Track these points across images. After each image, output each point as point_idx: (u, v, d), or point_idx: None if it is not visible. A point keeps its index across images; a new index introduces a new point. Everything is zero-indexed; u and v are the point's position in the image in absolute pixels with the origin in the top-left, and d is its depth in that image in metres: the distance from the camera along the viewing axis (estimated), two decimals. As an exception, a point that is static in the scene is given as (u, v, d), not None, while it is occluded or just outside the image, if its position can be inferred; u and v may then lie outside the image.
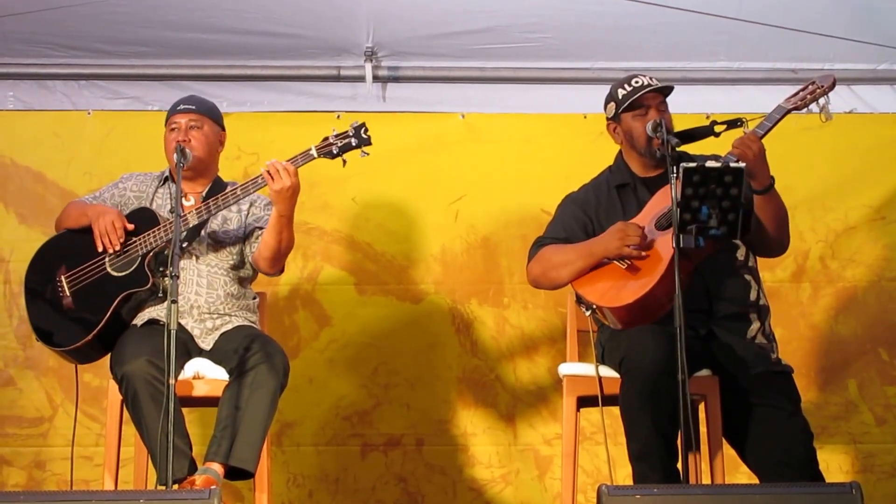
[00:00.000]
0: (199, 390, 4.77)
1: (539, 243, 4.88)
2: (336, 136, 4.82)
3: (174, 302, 4.27)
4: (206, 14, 5.69)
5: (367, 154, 4.82)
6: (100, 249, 4.84)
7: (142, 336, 4.74)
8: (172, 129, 5.00)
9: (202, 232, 4.96)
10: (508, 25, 5.79)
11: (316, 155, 4.80)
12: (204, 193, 5.00)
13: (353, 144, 4.81)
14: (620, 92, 4.82)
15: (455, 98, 6.09)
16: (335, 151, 4.81)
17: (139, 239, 4.84)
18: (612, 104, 4.86)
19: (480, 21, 5.76)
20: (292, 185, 4.69)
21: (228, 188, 4.90)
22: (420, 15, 5.74)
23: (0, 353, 5.86)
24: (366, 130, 4.82)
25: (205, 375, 4.77)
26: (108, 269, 4.84)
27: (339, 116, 5.89)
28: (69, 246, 4.94)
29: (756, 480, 4.70)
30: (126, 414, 4.68)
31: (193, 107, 5.04)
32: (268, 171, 4.69)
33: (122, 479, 4.89)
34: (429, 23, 5.78)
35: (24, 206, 5.94)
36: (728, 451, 4.75)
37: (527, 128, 6.07)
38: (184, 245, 4.87)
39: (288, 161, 4.73)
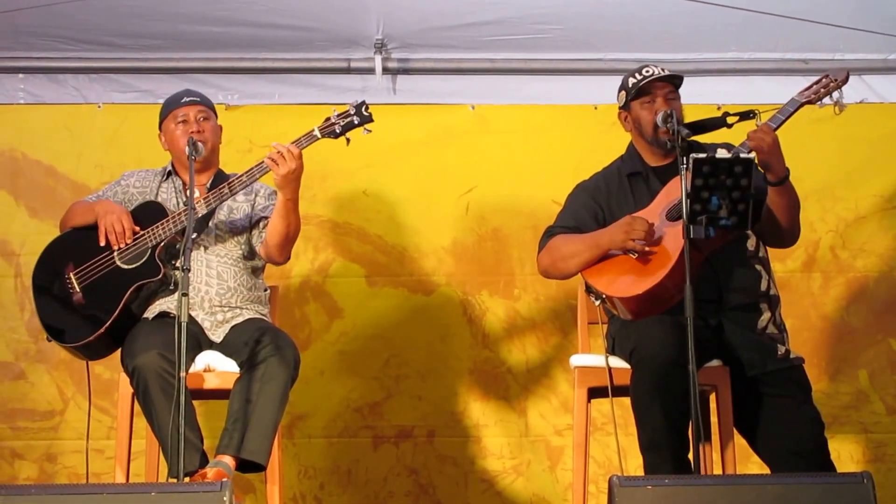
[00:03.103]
0: (210, 383, 4.78)
1: (549, 233, 4.88)
2: (338, 115, 4.84)
3: (185, 295, 4.28)
4: (216, 7, 5.68)
5: (370, 131, 4.83)
6: (102, 244, 4.83)
7: (152, 329, 4.74)
8: (181, 122, 4.99)
9: (210, 223, 4.97)
10: (519, 17, 5.78)
11: (319, 135, 4.81)
12: (208, 185, 5.01)
13: (356, 122, 4.84)
14: (630, 81, 4.83)
15: (465, 90, 6.09)
16: (338, 130, 4.82)
17: (148, 231, 4.84)
18: (623, 93, 4.87)
19: (490, 12, 5.75)
20: (297, 167, 4.70)
21: (234, 177, 4.90)
22: (430, 6, 5.73)
23: (11, 347, 5.87)
24: (367, 108, 4.84)
25: (216, 368, 4.78)
26: (118, 263, 4.84)
27: (349, 109, 5.90)
28: (75, 243, 4.93)
29: (767, 470, 4.70)
30: (137, 407, 4.69)
31: (199, 99, 5.05)
32: (272, 158, 4.70)
33: (134, 471, 4.91)
34: (439, 14, 5.77)
35: (35, 199, 5.95)
36: (739, 441, 4.75)
37: (537, 119, 6.06)
38: (192, 237, 4.87)
39: (292, 143, 4.74)
